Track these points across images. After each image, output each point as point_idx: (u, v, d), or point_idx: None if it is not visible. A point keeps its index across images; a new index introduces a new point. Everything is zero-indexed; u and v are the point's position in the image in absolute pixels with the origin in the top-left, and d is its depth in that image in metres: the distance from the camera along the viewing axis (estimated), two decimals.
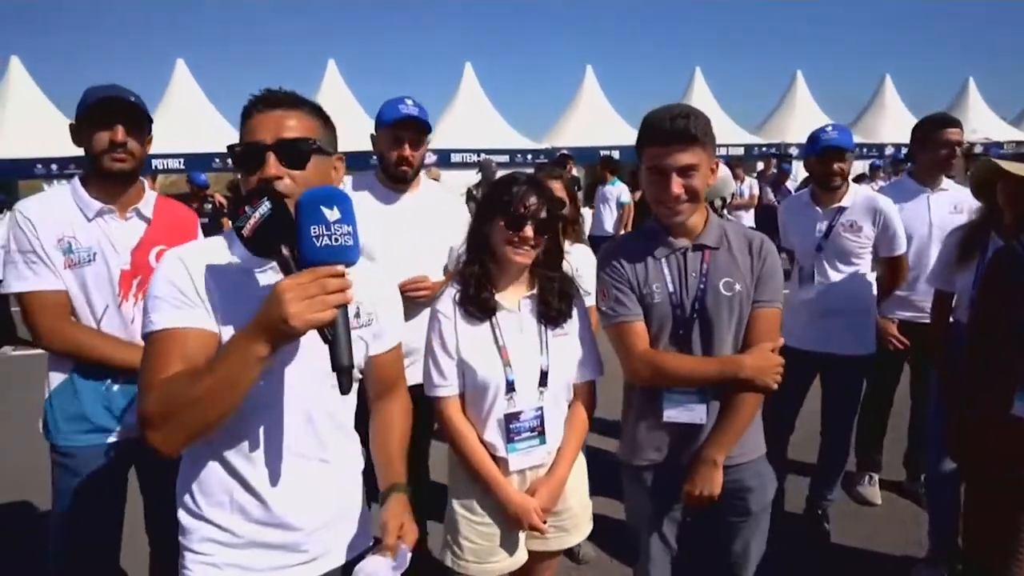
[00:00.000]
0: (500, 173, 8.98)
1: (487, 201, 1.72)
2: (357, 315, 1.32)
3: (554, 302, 1.72)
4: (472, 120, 15.85)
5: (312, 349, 1.21)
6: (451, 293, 1.71)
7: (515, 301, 1.72)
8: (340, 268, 1.05)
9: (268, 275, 1.23)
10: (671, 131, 1.57)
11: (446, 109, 16.42)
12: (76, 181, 1.93)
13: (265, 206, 1.06)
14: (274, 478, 1.25)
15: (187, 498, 1.27)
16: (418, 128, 2.32)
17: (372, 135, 2.40)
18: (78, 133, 1.89)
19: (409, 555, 1.26)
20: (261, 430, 1.24)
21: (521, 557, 1.75)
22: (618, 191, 8.34)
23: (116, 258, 1.89)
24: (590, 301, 1.95)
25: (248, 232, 1.06)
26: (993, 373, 1.85)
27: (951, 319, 2.57)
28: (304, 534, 1.28)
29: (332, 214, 1.04)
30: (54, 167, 12.54)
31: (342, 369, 1.07)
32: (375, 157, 2.44)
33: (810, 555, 2.92)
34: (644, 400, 1.76)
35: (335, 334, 1.06)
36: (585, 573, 2.81)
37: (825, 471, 3.05)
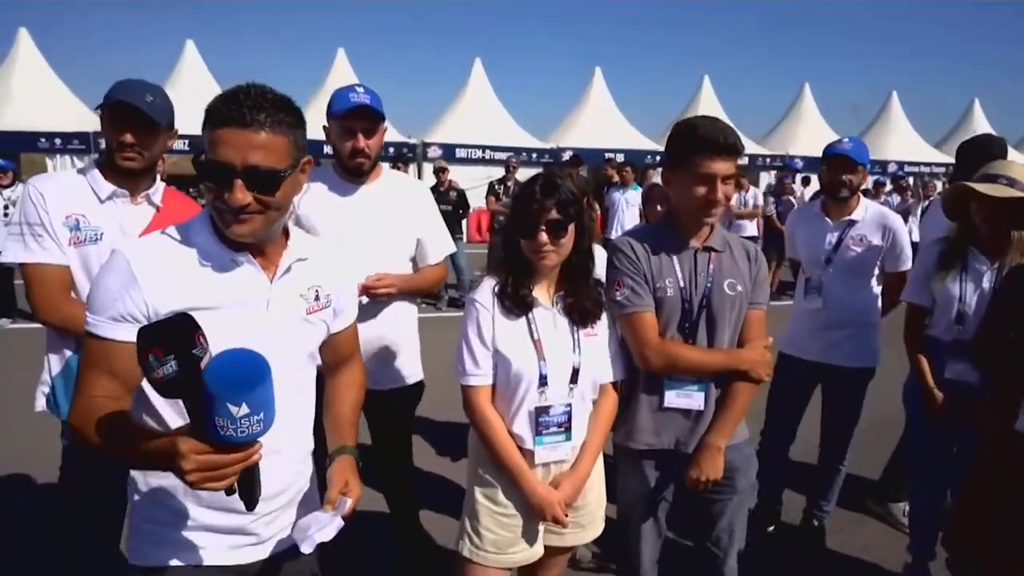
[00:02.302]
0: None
1: (510, 208, 1.78)
2: (317, 298, 1.35)
3: (586, 303, 1.74)
4: (479, 116, 15.85)
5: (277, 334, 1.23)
6: (490, 284, 1.74)
7: (548, 297, 1.75)
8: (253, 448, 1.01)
9: (237, 272, 1.23)
10: (724, 145, 1.74)
11: (454, 104, 16.41)
12: (92, 164, 1.96)
13: (171, 367, 0.94)
14: None
15: (139, 477, 1.28)
16: (371, 117, 2.19)
17: (324, 126, 2.28)
18: (102, 122, 1.92)
19: (348, 503, 1.30)
20: None
21: (538, 550, 1.78)
22: (638, 197, 8.29)
23: (124, 240, 1.89)
24: None
25: (152, 380, 0.97)
26: (999, 386, 1.90)
27: (929, 334, 2.58)
28: (252, 517, 1.27)
29: (239, 411, 0.94)
30: (57, 141, 12.51)
31: (248, 503, 1.08)
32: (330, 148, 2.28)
33: (806, 565, 2.96)
34: (647, 386, 1.89)
35: (241, 484, 1.04)
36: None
37: (823, 482, 3.08)
